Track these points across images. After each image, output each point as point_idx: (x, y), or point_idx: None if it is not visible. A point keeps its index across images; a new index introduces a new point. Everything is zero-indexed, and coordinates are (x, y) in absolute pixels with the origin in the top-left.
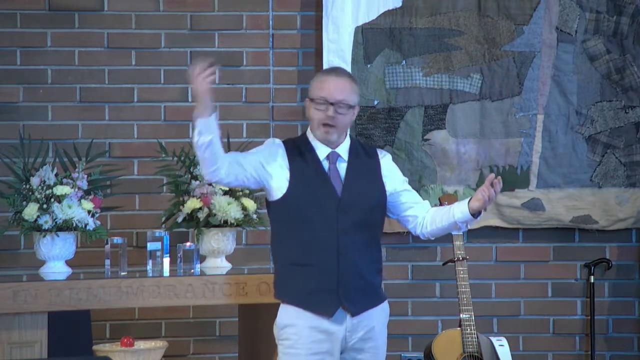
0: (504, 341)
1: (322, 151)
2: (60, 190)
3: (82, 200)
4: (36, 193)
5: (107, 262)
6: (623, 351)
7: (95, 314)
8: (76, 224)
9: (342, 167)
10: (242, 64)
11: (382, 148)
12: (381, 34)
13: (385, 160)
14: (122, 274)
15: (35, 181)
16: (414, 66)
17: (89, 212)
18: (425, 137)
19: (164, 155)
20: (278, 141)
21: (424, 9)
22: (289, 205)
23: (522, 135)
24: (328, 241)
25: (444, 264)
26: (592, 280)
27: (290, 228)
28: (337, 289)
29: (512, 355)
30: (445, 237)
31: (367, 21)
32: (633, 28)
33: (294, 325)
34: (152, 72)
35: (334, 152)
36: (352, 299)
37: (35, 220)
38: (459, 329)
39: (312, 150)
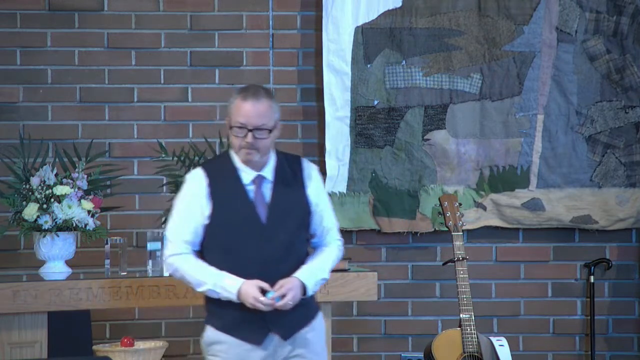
0: (504, 341)
1: (247, 175)
2: (60, 190)
3: (82, 200)
4: (36, 193)
5: (107, 262)
6: (623, 351)
7: (95, 314)
8: (76, 224)
9: (267, 189)
10: (242, 64)
11: (381, 148)
12: (381, 34)
13: (309, 174)
14: (122, 274)
15: (35, 181)
16: (414, 66)
17: (89, 212)
18: (425, 137)
19: (163, 155)
20: (199, 172)
21: (424, 9)
22: (213, 233)
23: (522, 135)
24: (254, 270)
25: (444, 264)
26: (592, 280)
27: (216, 255)
28: (264, 316)
29: (512, 355)
30: (445, 237)
31: (367, 21)
32: (633, 28)
33: (222, 343)
34: (152, 72)
35: (259, 176)
36: (281, 324)
37: (35, 220)
38: (459, 329)
39: (236, 175)
